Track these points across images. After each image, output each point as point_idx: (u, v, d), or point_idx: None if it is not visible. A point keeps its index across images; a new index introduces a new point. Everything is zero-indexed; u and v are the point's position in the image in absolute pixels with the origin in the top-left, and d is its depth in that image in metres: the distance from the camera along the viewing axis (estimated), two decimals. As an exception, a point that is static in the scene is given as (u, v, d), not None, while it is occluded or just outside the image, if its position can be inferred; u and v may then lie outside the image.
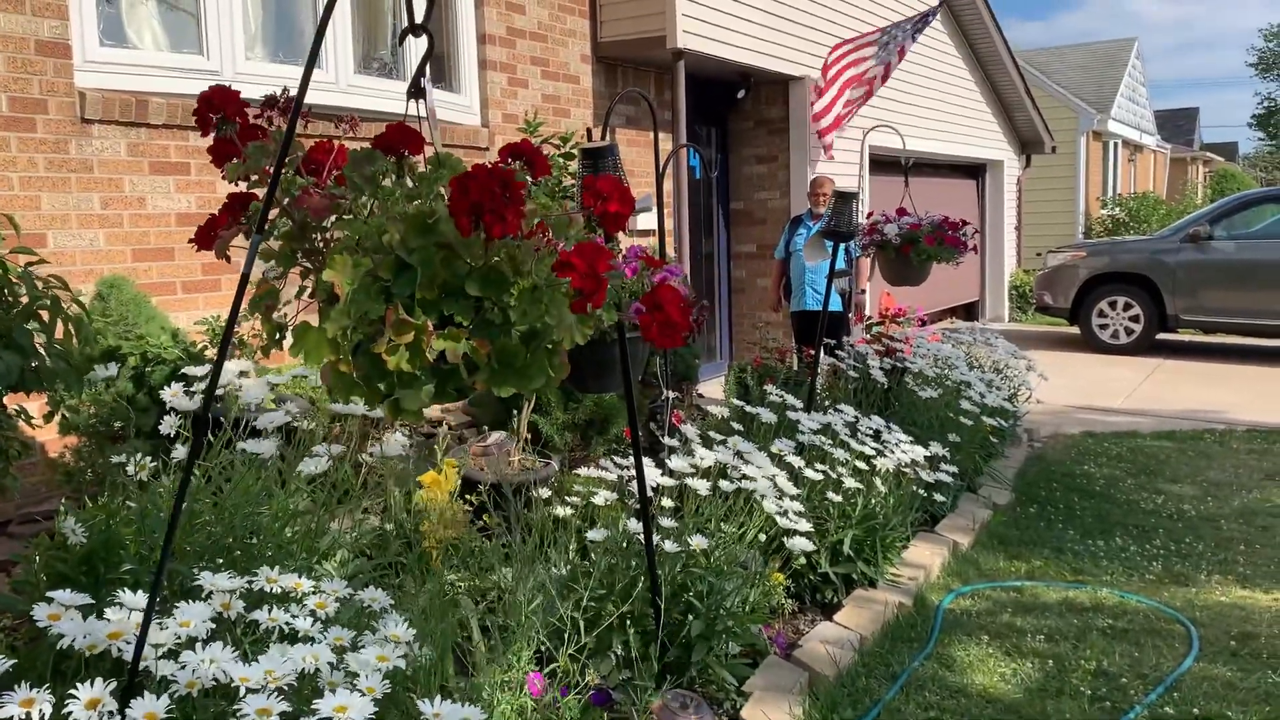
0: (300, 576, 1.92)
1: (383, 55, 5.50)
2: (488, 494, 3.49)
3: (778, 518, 2.95)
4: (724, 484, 3.06)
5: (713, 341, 8.98)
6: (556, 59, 6.62)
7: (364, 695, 1.57)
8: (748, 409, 4.05)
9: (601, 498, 3.06)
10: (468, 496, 3.78)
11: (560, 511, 3.03)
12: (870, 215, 5.20)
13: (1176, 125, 40.84)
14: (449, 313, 1.64)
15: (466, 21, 5.98)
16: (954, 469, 4.31)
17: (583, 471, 3.16)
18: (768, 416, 3.92)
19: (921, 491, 4.08)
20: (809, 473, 3.47)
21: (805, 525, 3.26)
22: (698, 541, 2.82)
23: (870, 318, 7.46)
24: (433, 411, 5.83)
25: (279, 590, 1.89)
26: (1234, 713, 3.17)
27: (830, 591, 3.89)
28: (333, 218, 1.70)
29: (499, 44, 6.15)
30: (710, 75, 8.20)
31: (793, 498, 3.25)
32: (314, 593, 1.92)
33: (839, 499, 3.62)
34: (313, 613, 1.89)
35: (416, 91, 1.75)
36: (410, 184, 1.72)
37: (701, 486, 2.98)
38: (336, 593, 1.95)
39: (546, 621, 2.67)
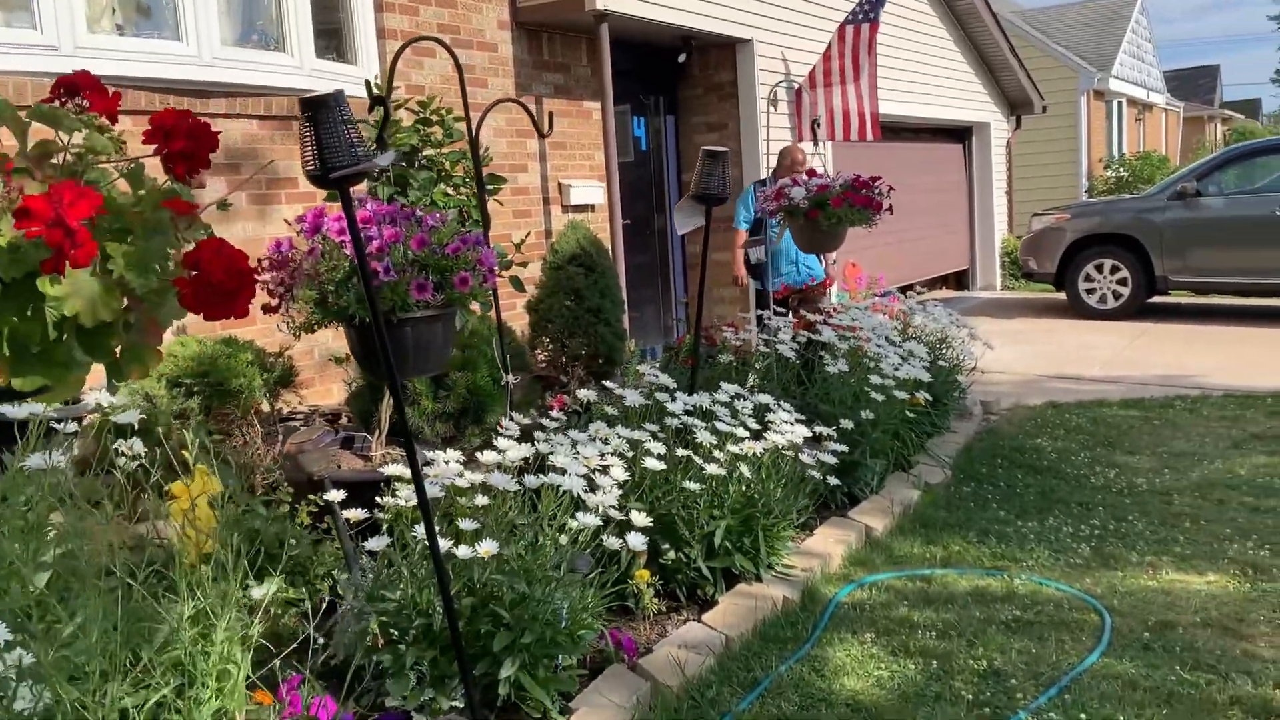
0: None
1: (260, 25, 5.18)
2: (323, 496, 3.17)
3: (579, 516, 2.61)
4: (529, 479, 2.72)
5: (667, 321, 8.62)
6: (469, 25, 6.27)
7: None
8: (617, 391, 3.71)
9: (405, 497, 2.74)
10: (311, 497, 3.48)
11: (353, 514, 2.72)
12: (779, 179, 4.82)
13: (1197, 84, 39.91)
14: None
15: (363, -12, 5.64)
16: (843, 448, 3.95)
17: (390, 470, 2.83)
18: (633, 399, 3.58)
19: (815, 474, 3.73)
20: (650, 461, 3.12)
21: (642, 518, 2.92)
22: (486, 547, 2.48)
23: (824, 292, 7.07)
24: (330, 407, 5.52)
25: None
26: (1126, 718, 2.81)
27: (710, 588, 3.55)
28: None
29: (399, 11, 5.80)
30: (651, 40, 7.81)
31: (622, 486, 2.90)
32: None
33: (696, 487, 3.27)
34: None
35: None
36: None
37: (504, 482, 2.64)
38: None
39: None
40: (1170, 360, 8.36)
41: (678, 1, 7.16)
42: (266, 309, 2.45)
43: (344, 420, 5.05)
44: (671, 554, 3.48)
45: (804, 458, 3.60)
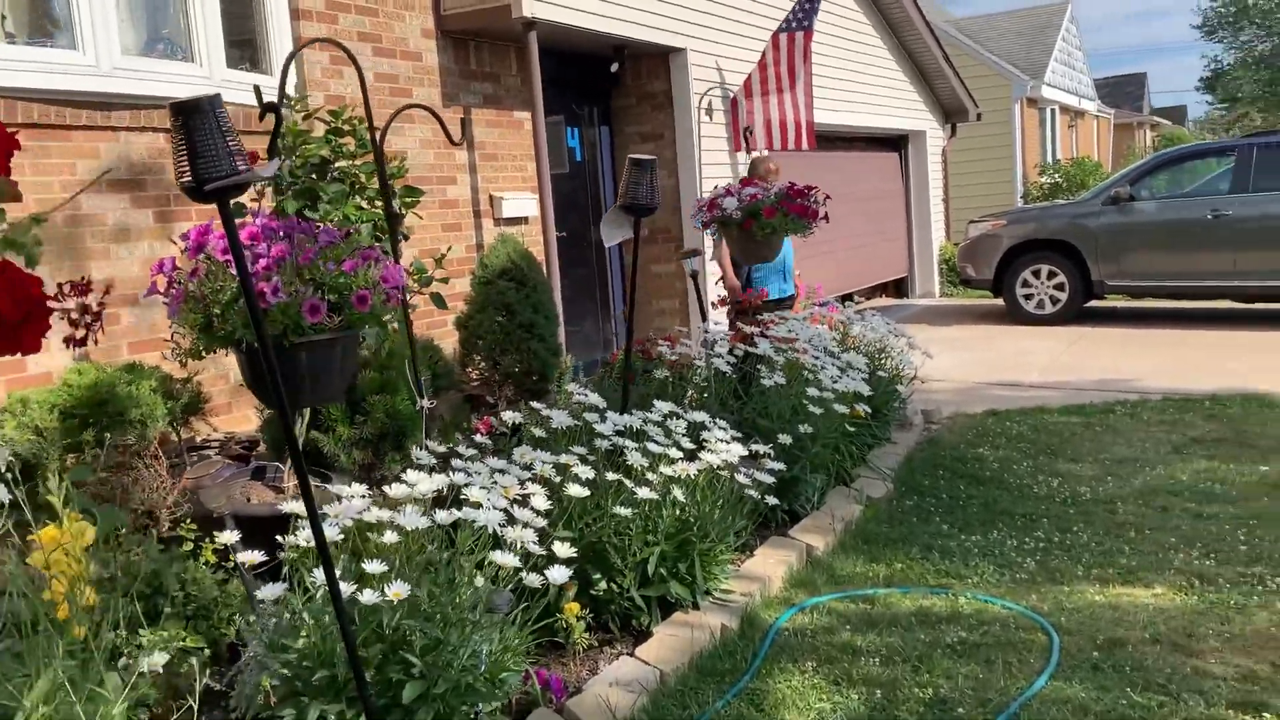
0: None
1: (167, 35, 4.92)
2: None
3: (496, 555, 2.42)
4: (441, 515, 2.53)
5: (607, 334, 8.45)
6: (391, 34, 6.05)
7: None
8: (544, 411, 3.52)
9: (306, 537, 2.52)
10: (213, 533, 3.24)
11: (249, 557, 2.50)
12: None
13: (1125, 91, 40.80)
14: None
15: (278, -5, 5.40)
16: (781, 466, 3.80)
17: (288, 507, 2.61)
18: (560, 420, 3.40)
19: (753, 494, 3.57)
20: (573, 489, 2.94)
21: (566, 550, 2.73)
22: (395, 589, 2.28)
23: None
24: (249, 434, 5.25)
25: None
26: (1077, 746, 2.69)
27: (644, 618, 3.38)
28: None
29: (316, 19, 5.58)
30: (583, 49, 7.65)
31: (546, 516, 2.72)
32: None
33: (628, 513, 3.10)
34: None
35: None
36: None
37: (414, 520, 2.44)
38: None
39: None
40: (1108, 364, 8.37)
41: (608, 10, 7.01)
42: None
43: (261, 448, 4.80)
44: (603, 584, 3.30)
45: (740, 477, 3.44)
